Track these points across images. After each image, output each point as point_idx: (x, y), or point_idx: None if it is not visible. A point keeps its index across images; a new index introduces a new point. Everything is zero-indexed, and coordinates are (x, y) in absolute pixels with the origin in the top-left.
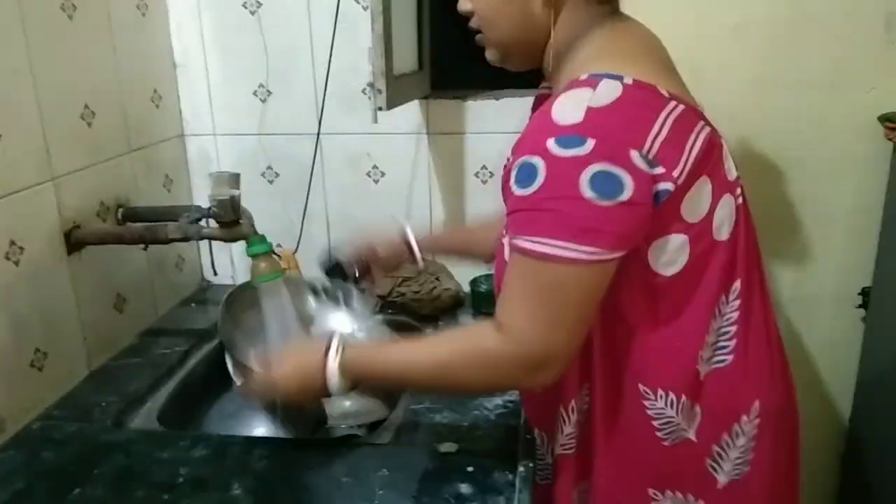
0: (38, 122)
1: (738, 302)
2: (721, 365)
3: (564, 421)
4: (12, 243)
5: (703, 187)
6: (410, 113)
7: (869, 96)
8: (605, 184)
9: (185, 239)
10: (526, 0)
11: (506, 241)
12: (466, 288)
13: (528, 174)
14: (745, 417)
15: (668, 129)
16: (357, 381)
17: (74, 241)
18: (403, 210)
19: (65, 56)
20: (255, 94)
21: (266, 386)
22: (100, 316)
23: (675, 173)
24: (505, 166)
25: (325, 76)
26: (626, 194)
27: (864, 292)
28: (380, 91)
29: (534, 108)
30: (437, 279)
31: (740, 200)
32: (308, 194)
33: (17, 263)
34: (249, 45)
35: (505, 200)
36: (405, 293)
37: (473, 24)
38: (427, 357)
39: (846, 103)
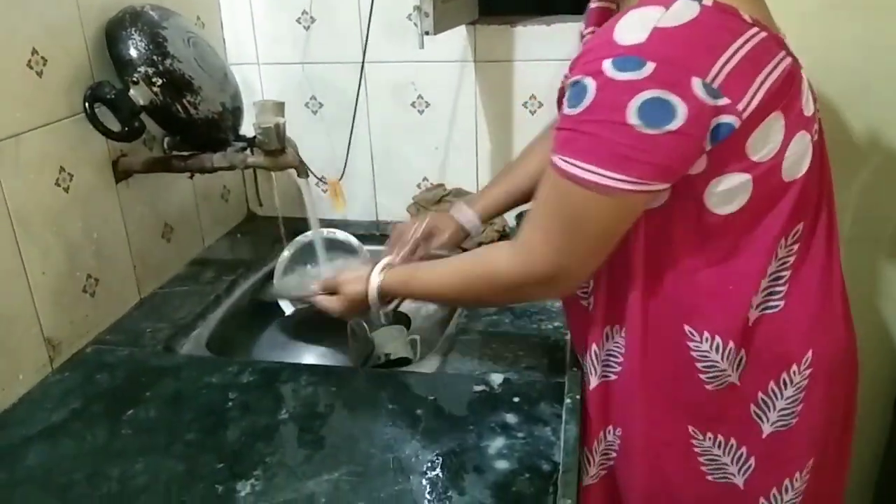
0: (84, 48)
1: (796, 245)
2: (773, 311)
3: (594, 356)
4: (62, 170)
5: (775, 123)
6: (457, 40)
7: None
8: (654, 111)
9: (231, 167)
10: None
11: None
12: (512, 223)
13: (578, 94)
14: (794, 367)
15: (742, 57)
16: (392, 298)
17: (122, 170)
18: (447, 141)
19: None
20: (298, 21)
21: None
22: (148, 244)
23: (741, 106)
24: (561, 84)
25: (369, 2)
26: (676, 123)
27: None
28: (427, 14)
29: (587, 24)
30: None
31: (816, 137)
32: (353, 125)
33: (66, 190)
34: None
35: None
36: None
37: None
38: (448, 280)
39: None
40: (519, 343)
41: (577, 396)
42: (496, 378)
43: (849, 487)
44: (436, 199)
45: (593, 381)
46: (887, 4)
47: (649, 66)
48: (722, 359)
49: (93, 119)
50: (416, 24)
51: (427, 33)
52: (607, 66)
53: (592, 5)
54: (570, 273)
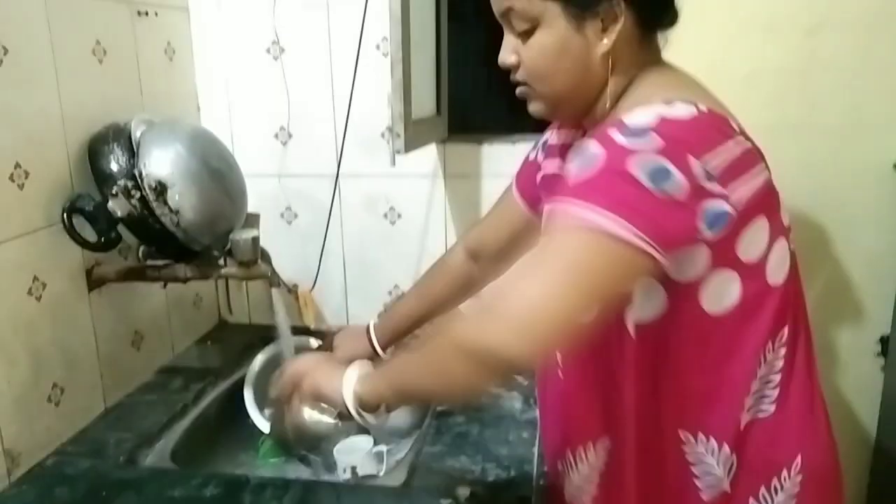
0: (66, 161)
1: (783, 350)
2: (763, 415)
3: (571, 466)
4: (35, 279)
5: (761, 227)
6: (427, 156)
7: (882, 143)
8: (657, 173)
9: (205, 277)
10: (584, 53)
11: None
12: None
13: (585, 158)
14: (785, 472)
15: (733, 157)
16: (371, 407)
17: (96, 278)
18: (419, 250)
19: (95, 97)
20: (276, 136)
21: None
22: (117, 352)
23: (734, 199)
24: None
25: (344, 120)
26: (678, 188)
27: (883, 340)
28: (398, 135)
29: (546, 155)
30: None
31: (793, 246)
32: (326, 234)
33: (38, 299)
34: (271, 89)
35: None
36: None
37: (519, 77)
38: (416, 362)
39: (860, 151)
40: (486, 456)
41: None
42: (463, 492)
43: None
44: None
45: (575, 492)
46: (825, 128)
47: (655, 138)
48: (717, 464)
49: (70, 231)
50: (388, 143)
51: (399, 152)
52: (616, 134)
53: (553, 141)
54: (568, 330)
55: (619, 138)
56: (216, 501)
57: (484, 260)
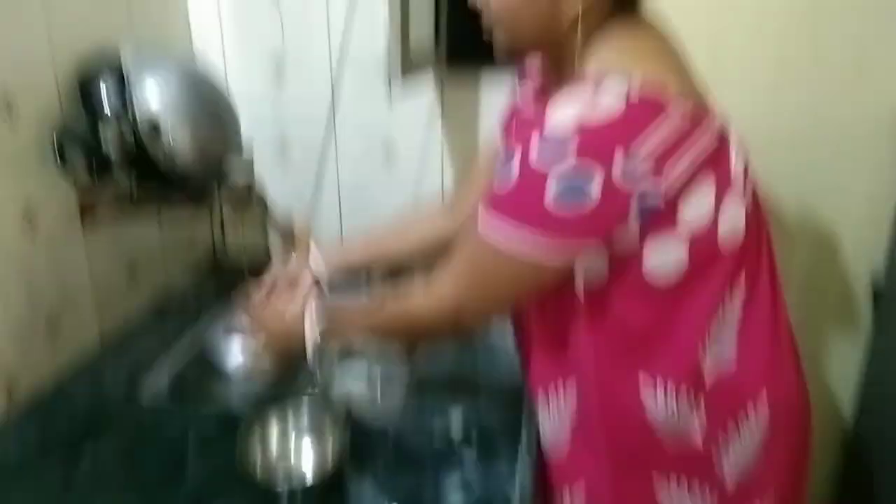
0: (55, 87)
1: (740, 300)
2: (723, 357)
3: (546, 407)
4: (28, 212)
5: (705, 193)
6: (424, 86)
7: (886, 88)
8: (569, 191)
9: (197, 203)
10: (551, 5)
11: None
12: None
13: (507, 163)
14: (751, 404)
15: (663, 137)
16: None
17: (88, 210)
18: (415, 179)
19: (83, 17)
20: (270, 62)
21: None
22: (112, 284)
23: (664, 185)
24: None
25: (339, 48)
26: (590, 204)
27: (875, 285)
28: (395, 77)
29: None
30: None
31: (750, 199)
32: (320, 162)
33: (31, 234)
34: (267, 22)
35: None
36: None
37: (484, 19)
38: (372, 319)
39: (862, 95)
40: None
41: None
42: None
43: None
44: None
45: (551, 434)
46: (832, 77)
47: (574, 147)
48: (677, 403)
49: (60, 158)
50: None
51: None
52: (535, 144)
53: (527, 86)
54: (469, 317)
55: (537, 150)
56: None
57: (461, 213)
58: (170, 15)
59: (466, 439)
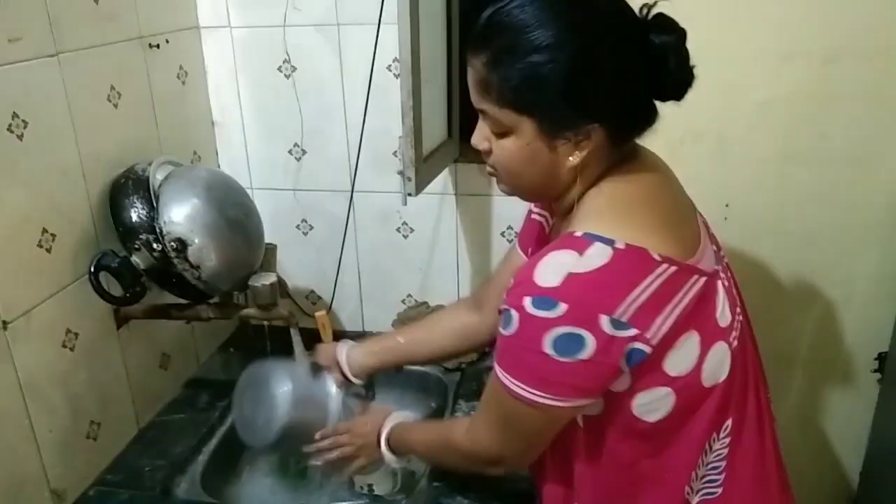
0: (89, 211)
1: (728, 439)
2: (711, 497)
3: None
4: (68, 331)
5: (690, 342)
6: (439, 175)
7: (891, 175)
8: (566, 344)
9: (226, 318)
10: (553, 164)
11: None
12: None
13: (507, 321)
14: None
15: (650, 293)
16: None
17: (122, 317)
18: (429, 264)
19: (113, 142)
20: (290, 152)
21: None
22: (147, 377)
23: (650, 334)
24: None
25: (358, 138)
26: (587, 354)
27: (881, 357)
28: (409, 179)
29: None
30: None
31: (735, 343)
32: (343, 246)
33: (72, 349)
34: (284, 107)
35: None
36: None
37: (489, 162)
38: (425, 445)
39: (869, 179)
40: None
41: None
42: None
43: None
44: (419, 316)
45: None
46: (837, 157)
47: (562, 307)
48: None
49: (98, 289)
50: (400, 174)
51: (410, 195)
52: (527, 302)
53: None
54: (509, 460)
55: (529, 307)
56: None
57: (487, 311)
58: (193, 114)
59: None
